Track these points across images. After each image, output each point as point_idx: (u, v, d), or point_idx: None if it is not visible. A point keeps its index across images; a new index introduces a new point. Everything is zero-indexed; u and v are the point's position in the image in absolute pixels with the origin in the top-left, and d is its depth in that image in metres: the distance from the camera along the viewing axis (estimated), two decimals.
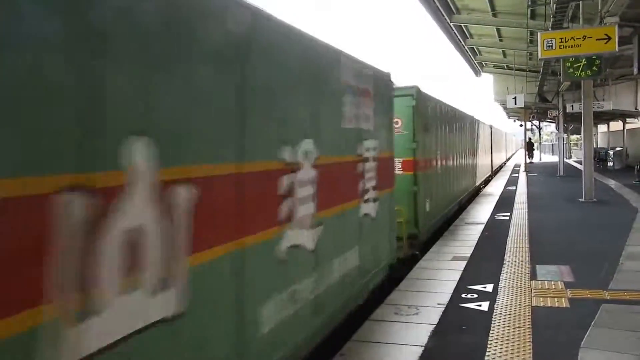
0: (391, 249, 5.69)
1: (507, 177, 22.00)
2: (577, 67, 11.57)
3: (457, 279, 5.65)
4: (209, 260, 2.39)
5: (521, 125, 31.28)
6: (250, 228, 2.74)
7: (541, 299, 4.86)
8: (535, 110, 29.56)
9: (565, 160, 24.58)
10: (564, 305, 4.67)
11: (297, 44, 3.50)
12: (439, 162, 9.20)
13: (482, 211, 11.26)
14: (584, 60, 11.32)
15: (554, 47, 10.06)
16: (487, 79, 28.34)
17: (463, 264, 6.38)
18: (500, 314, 4.47)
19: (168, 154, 2.11)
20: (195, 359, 2.29)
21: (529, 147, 32.01)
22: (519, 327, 4.14)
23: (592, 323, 4.15)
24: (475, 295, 5.02)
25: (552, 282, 5.40)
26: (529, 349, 3.68)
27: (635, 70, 11.58)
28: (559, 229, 8.92)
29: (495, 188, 16.85)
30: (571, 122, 31.65)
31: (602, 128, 37.81)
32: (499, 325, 4.18)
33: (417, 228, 7.38)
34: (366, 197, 4.66)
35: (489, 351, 3.68)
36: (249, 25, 2.82)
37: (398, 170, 6.98)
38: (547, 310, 4.55)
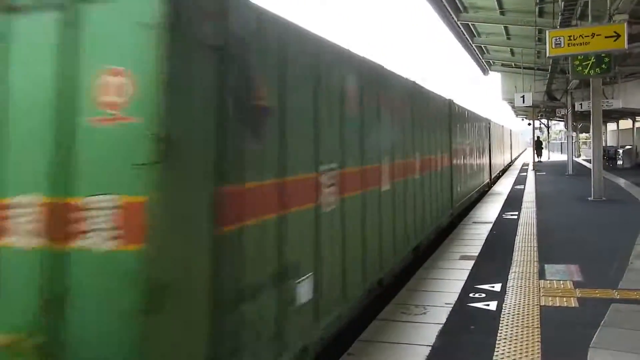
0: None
1: (515, 175, 21.88)
2: (585, 65, 11.46)
3: (465, 279, 5.64)
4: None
5: (529, 124, 31.14)
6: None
7: (550, 298, 4.84)
8: (543, 109, 29.39)
9: (574, 158, 24.40)
10: (573, 305, 4.65)
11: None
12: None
13: (490, 210, 11.21)
14: (592, 58, 11.21)
15: (562, 45, 10.01)
16: (495, 77, 28.22)
17: (471, 263, 6.37)
18: (509, 313, 4.45)
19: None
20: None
21: (538, 145, 31.83)
22: (527, 326, 4.12)
23: (602, 322, 4.13)
24: (483, 295, 5.01)
25: (561, 282, 5.37)
26: (538, 349, 3.67)
27: None
28: (568, 228, 8.87)
29: (504, 187, 16.76)
30: (580, 121, 31.45)
31: (611, 126, 37.53)
32: (507, 325, 4.17)
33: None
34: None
35: (497, 351, 3.67)
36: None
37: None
38: (555, 310, 4.53)
